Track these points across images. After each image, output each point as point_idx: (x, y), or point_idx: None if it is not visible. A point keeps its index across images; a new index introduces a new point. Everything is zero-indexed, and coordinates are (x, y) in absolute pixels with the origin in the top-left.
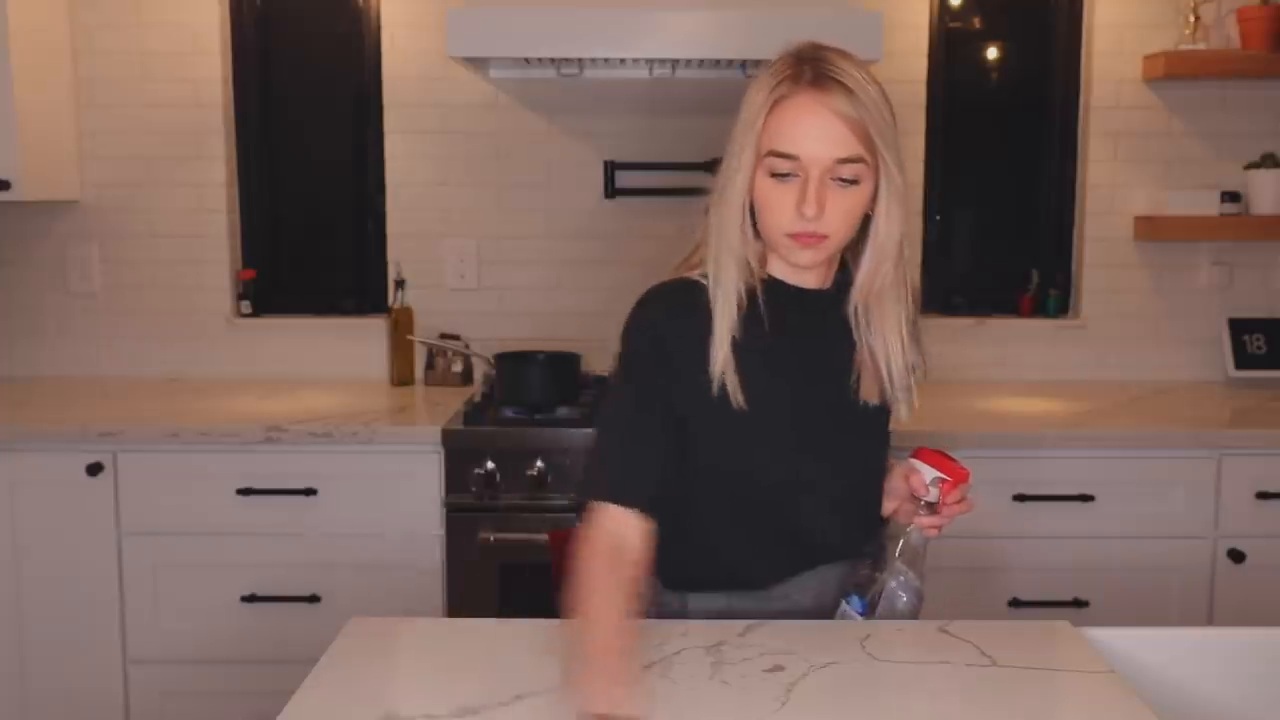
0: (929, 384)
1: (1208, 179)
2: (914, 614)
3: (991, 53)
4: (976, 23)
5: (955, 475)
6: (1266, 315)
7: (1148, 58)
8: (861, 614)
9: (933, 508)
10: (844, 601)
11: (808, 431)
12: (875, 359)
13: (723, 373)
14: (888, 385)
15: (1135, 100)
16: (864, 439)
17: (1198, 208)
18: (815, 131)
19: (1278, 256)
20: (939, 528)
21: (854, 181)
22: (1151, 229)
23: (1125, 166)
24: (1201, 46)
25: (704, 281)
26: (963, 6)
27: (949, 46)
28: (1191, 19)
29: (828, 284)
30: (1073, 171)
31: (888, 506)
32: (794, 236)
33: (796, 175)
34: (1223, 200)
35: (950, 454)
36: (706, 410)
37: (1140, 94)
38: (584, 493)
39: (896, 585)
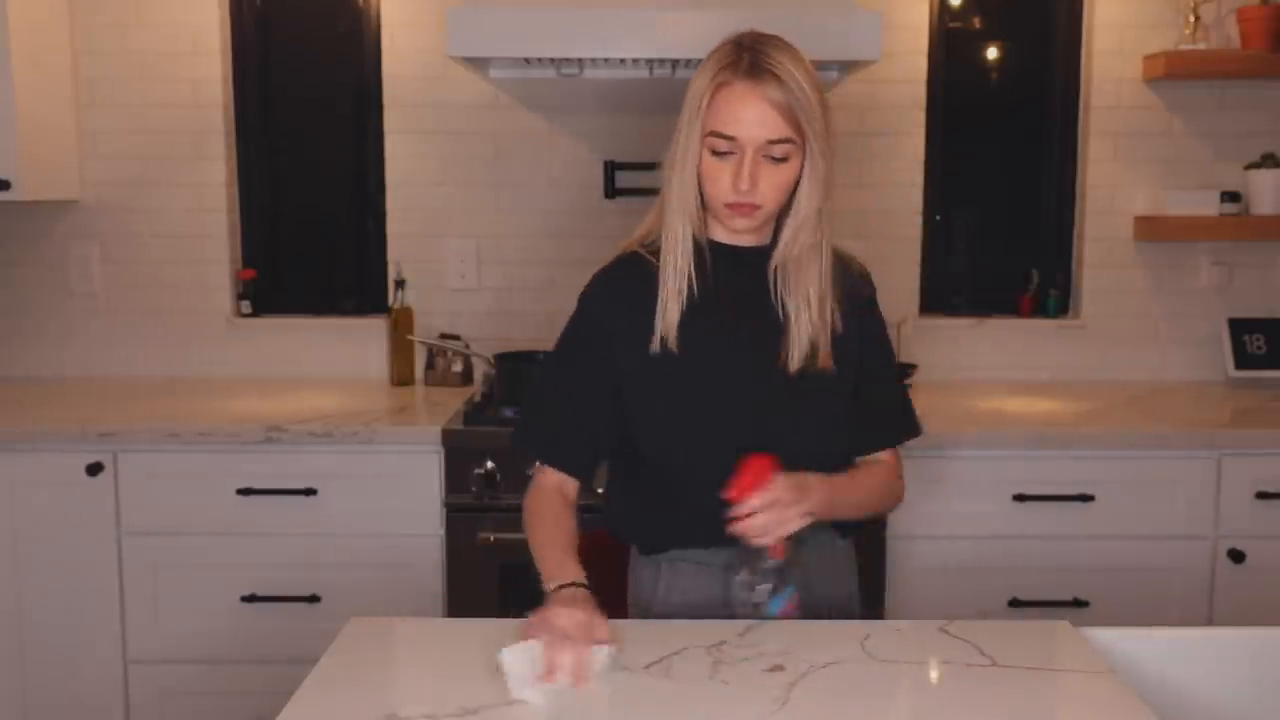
0: (928, 384)
1: (1208, 179)
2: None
3: (991, 53)
4: (976, 23)
5: (740, 486)
6: (1266, 315)
7: (1148, 58)
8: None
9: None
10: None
11: (749, 381)
12: (789, 317)
13: (671, 330)
14: (796, 341)
15: (1135, 100)
16: (809, 392)
17: (1197, 208)
18: (750, 116)
19: (1278, 256)
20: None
21: (784, 159)
22: (1151, 229)
23: (1125, 166)
24: (1201, 46)
25: (643, 252)
26: (963, 6)
27: (949, 46)
28: (1191, 19)
29: (765, 241)
30: (1073, 171)
31: None
32: (731, 206)
33: (734, 153)
34: (1223, 200)
35: (768, 460)
36: (651, 371)
37: (1140, 94)
38: (516, 440)
39: (764, 590)
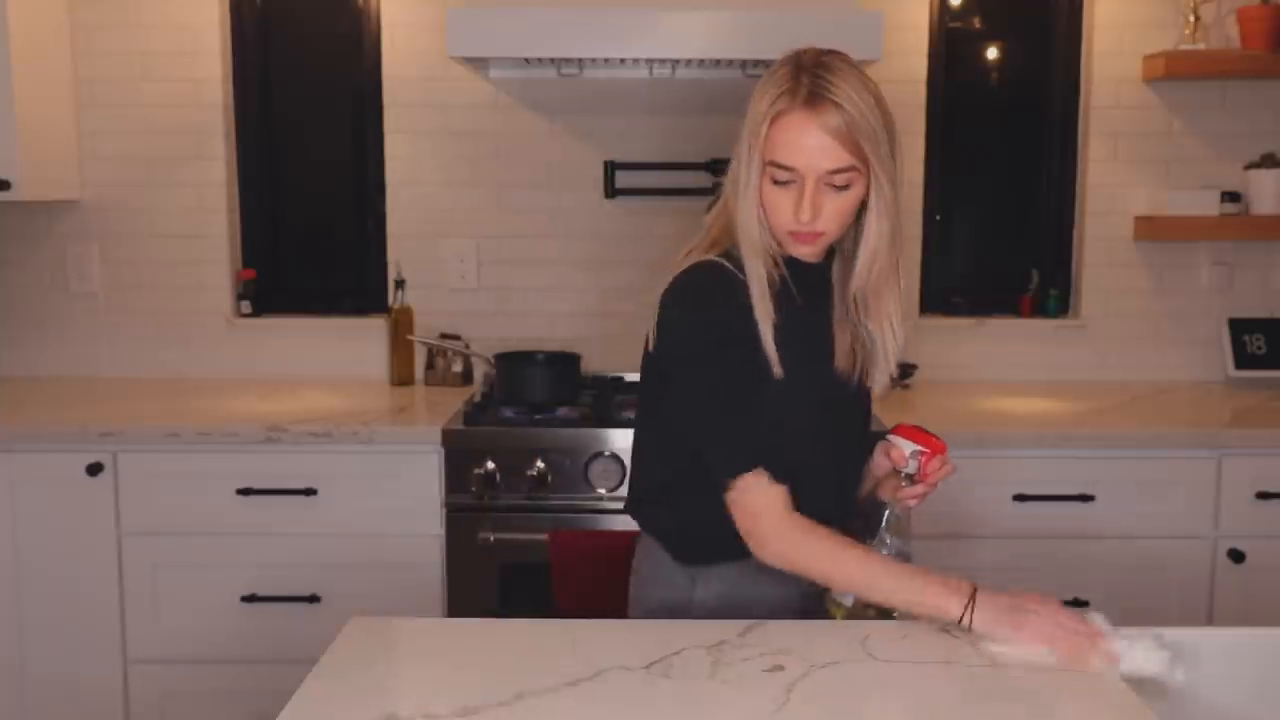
0: (929, 384)
1: (1208, 179)
2: None
3: (992, 53)
4: (976, 23)
5: (933, 447)
6: (1266, 315)
7: (1148, 58)
8: None
9: (912, 479)
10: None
11: (826, 398)
12: (871, 340)
13: (771, 352)
14: (884, 363)
15: (1135, 100)
16: (859, 406)
17: (1198, 208)
18: (809, 146)
19: (1278, 256)
20: (921, 497)
21: (845, 186)
22: (1151, 229)
23: (1125, 166)
24: (1201, 46)
25: (730, 266)
26: (963, 6)
27: (949, 46)
28: (1191, 19)
29: (821, 257)
30: (1073, 171)
31: (866, 485)
32: (793, 234)
33: (794, 181)
34: (1223, 200)
35: (925, 428)
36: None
37: (1140, 94)
38: (735, 466)
39: (887, 555)
